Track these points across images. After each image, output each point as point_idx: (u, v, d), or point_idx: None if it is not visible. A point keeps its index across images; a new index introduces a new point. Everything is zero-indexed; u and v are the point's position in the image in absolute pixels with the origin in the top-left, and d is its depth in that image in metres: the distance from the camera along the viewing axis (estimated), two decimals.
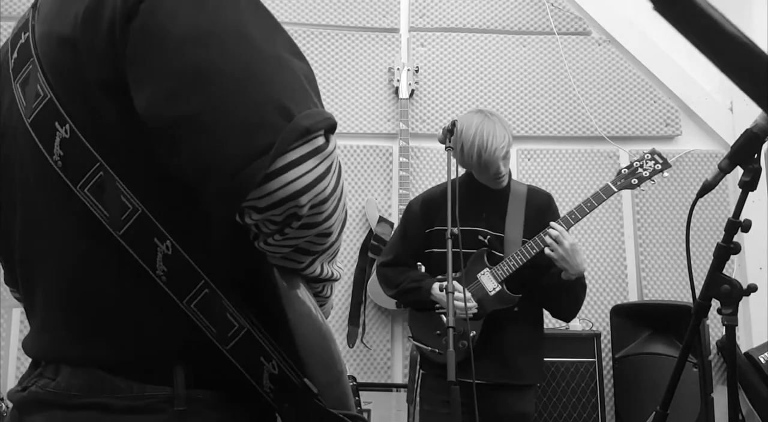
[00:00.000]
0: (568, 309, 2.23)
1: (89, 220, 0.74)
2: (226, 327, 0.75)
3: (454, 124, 2.08)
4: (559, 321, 2.80)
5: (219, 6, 0.71)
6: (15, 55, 0.80)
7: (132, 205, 0.73)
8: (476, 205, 2.22)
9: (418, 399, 2.38)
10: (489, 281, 2.16)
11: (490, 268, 2.17)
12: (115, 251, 0.74)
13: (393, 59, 3.44)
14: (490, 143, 2.05)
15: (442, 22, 3.50)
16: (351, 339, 3.16)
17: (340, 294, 3.24)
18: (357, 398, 0.78)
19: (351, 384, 0.77)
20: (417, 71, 3.38)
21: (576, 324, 3.05)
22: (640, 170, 2.19)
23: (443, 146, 2.06)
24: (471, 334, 2.09)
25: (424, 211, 2.29)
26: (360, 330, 3.17)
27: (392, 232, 2.55)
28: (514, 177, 3.31)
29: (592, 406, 2.81)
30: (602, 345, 2.98)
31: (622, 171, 2.21)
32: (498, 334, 2.15)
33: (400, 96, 3.31)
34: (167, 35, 0.68)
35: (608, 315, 3.11)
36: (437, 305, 2.17)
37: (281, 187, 0.67)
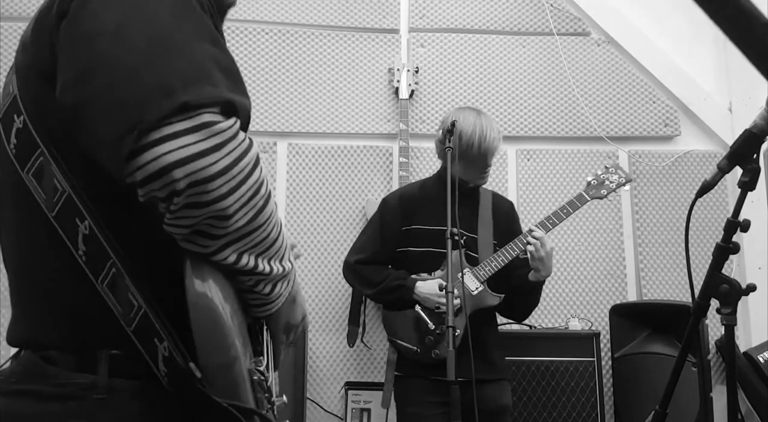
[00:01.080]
0: (526, 309, 2.38)
1: (32, 204, 0.80)
2: (129, 306, 0.78)
3: (453, 124, 2.11)
4: (555, 322, 2.82)
5: (124, 7, 0.76)
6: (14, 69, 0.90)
7: (62, 187, 0.78)
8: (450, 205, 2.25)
9: (396, 401, 2.37)
10: (471, 281, 2.21)
11: (470, 268, 2.21)
12: (50, 233, 0.79)
13: (393, 60, 3.45)
14: (489, 133, 2.20)
15: (442, 23, 3.51)
16: (351, 339, 3.16)
17: (340, 294, 3.24)
18: (267, 394, 0.74)
19: (259, 378, 0.74)
20: (417, 72, 3.39)
21: (575, 324, 3.06)
22: (606, 182, 2.39)
23: (442, 146, 2.08)
24: (456, 333, 2.12)
25: (403, 208, 2.30)
26: (360, 329, 3.17)
27: (364, 228, 2.50)
28: (513, 177, 3.36)
29: (591, 405, 2.82)
30: (601, 345, 2.98)
31: (592, 181, 2.40)
32: (478, 332, 2.18)
33: (400, 96, 3.32)
34: (80, 30, 0.75)
35: (607, 314, 3.12)
36: (425, 305, 2.19)
37: (153, 160, 0.69)
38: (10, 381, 0.82)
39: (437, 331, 2.19)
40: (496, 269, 2.22)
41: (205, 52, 0.76)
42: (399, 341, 2.27)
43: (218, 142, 0.71)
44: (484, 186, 2.41)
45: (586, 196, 2.35)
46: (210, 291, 0.77)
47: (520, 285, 2.27)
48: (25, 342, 0.84)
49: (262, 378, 0.82)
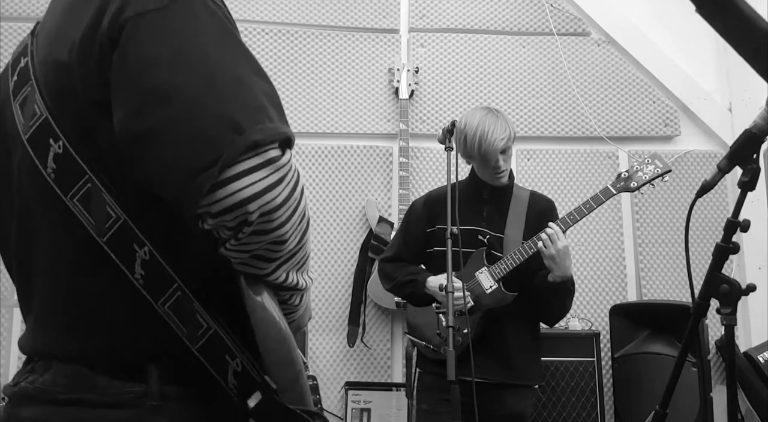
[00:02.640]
0: (551, 312, 2.24)
1: (77, 227, 0.82)
2: (196, 327, 0.82)
3: (453, 124, 2.10)
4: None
5: (187, 33, 0.79)
6: (15, 78, 0.89)
7: (115, 214, 0.80)
8: (478, 204, 2.24)
9: (415, 397, 2.38)
10: (486, 279, 2.18)
11: (488, 267, 2.19)
12: (98, 256, 0.81)
13: (393, 60, 3.45)
14: (491, 134, 2.10)
15: (442, 23, 3.51)
16: (351, 339, 3.16)
17: (341, 294, 3.25)
18: (317, 396, 0.89)
19: (311, 383, 0.87)
20: (417, 72, 3.39)
21: (575, 324, 3.06)
22: (639, 173, 2.21)
23: (443, 146, 2.08)
24: (465, 331, 2.10)
25: (427, 210, 2.31)
26: (360, 329, 3.17)
27: (394, 231, 2.56)
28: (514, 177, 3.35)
29: (592, 405, 2.82)
30: (601, 345, 2.99)
31: (622, 174, 2.23)
32: (498, 333, 2.16)
33: (400, 96, 3.32)
34: (138, 60, 0.77)
35: (607, 314, 3.12)
36: (436, 303, 2.18)
37: (230, 195, 0.74)
38: (56, 391, 0.84)
39: (438, 331, 2.19)
40: (510, 267, 2.15)
41: (258, 86, 0.80)
42: (412, 337, 2.29)
43: (281, 175, 0.77)
44: (522, 185, 2.37)
45: (612, 190, 2.19)
46: (272, 309, 0.84)
47: (539, 287, 2.16)
48: (65, 356, 0.86)
49: (315, 382, 0.91)
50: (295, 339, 1.03)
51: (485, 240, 2.21)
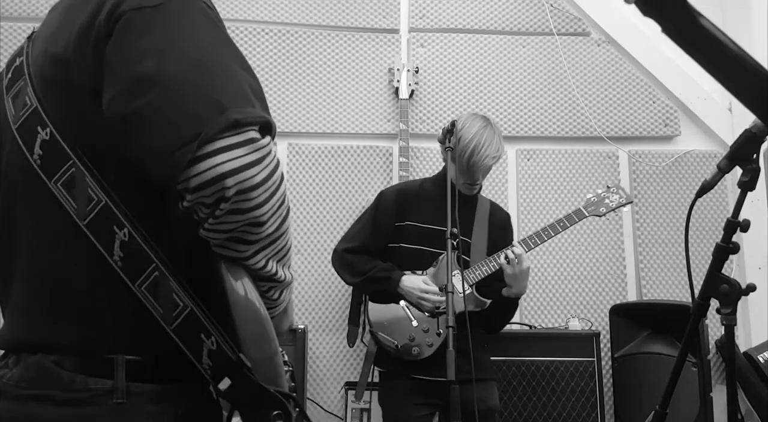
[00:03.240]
0: (497, 322, 2.37)
1: (58, 212, 0.84)
2: (172, 306, 0.83)
3: (453, 124, 2.11)
4: (555, 322, 2.82)
5: (179, 27, 0.84)
6: (9, 76, 0.94)
7: (97, 197, 0.83)
8: (446, 206, 2.24)
9: (377, 399, 2.37)
10: (460, 283, 2.20)
11: (460, 271, 2.21)
12: (77, 241, 0.84)
13: (393, 60, 3.45)
14: (485, 149, 2.13)
15: (442, 23, 3.51)
16: (351, 339, 3.16)
17: (340, 294, 3.24)
18: (293, 383, 0.89)
19: (287, 369, 0.88)
20: (417, 72, 3.39)
21: (575, 324, 3.06)
22: (606, 201, 2.43)
23: (443, 146, 2.08)
24: (437, 333, 2.13)
25: (399, 203, 2.31)
26: (360, 329, 3.16)
27: (358, 218, 2.51)
28: (513, 177, 3.36)
29: (591, 406, 2.82)
30: (601, 345, 2.98)
31: (591, 198, 2.44)
32: (464, 334, 2.17)
33: (400, 96, 3.32)
34: (130, 50, 0.82)
35: (607, 314, 3.12)
36: (415, 300, 2.20)
37: (209, 169, 0.77)
38: (20, 386, 0.84)
39: (422, 329, 2.20)
40: (485, 274, 2.24)
41: (243, 78, 0.86)
42: (380, 333, 2.25)
43: (260, 156, 0.80)
44: (483, 194, 2.42)
45: (585, 212, 2.40)
46: (249, 290, 0.86)
47: (491, 297, 2.27)
48: (32, 345, 0.86)
49: (290, 369, 0.90)
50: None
51: (454, 242, 2.22)
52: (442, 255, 2.23)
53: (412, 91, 3.36)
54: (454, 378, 1.65)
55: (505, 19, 3.53)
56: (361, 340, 3.16)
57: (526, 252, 2.21)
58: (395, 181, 3.31)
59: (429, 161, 3.36)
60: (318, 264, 3.25)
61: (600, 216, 2.42)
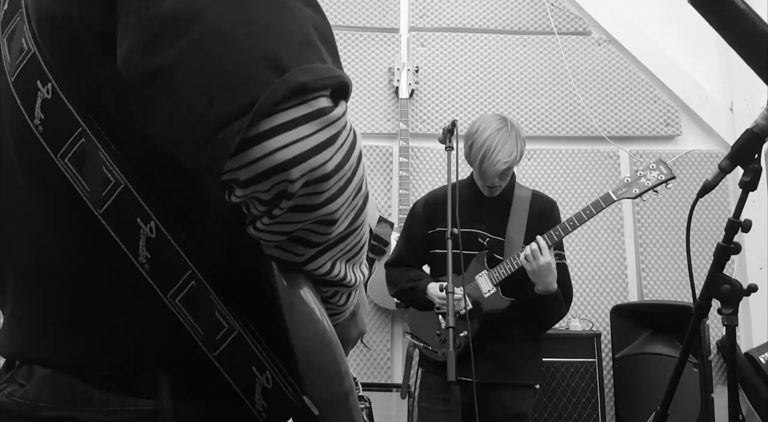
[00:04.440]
0: (538, 320, 2.27)
1: (68, 195, 0.64)
2: (215, 328, 0.64)
3: (454, 124, 2.09)
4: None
5: None
6: (5, 7, 0.71)
7: (114, 178, 0.63)
8: (478, 207, 2.23)
9: (416, 396, 2.40)
10: (485, 283, 2.19)
11: (488, 271, 2.20)
12: (94, 232, 0.64)
13: (393, 59, 3.44)
14: (495, 154, 2.07)
15: (442, 22, 3.50)
16: None
17: None
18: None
19: (363, 406, 0.62)
20: (417, 71, 3.38)
21: (576, 325, 3.05)
22: (642, 179, 2.16)
23: (443, 146, 2.07)
24: (463, 334, 2.10)
25: (427, 212, 2.31)
26: None
27: (395, 231, 2.57)
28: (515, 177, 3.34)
29: (593, 406, 2.81)
30: (602, 345, 2.98)
31: (625, 179, 2.18)
32: (496, 335, 2.16)
33: (400, 96, 3.31)
34: None
35: (608, 315, 3.11)
36: (437, 305, 2.18)
37: (265, 156, 0.55)
38: (39, 405, 0.65)
39: (438, 332, 2.19)
40: (508, 273, 2.16)
41: (306, 16, 0.61)
42: (412, 338, 2.31)
43: (334, 132, 0.58)
44: (520, 180, 2.38)
45: (613, 196, 2.15)
46: (313, 304, 0.65)
47: (527, 295, 2.17)
48: (51, 360, 0.67)
49: (367, 405, 0.72)
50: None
51: (485, 243, 2.21)
52: (474, 257, 2.22)
53: (412, 91, 3.35)
54: (455, 380, 1.65)
55: (505, 18, 3.52)
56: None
57: (550, 246, 2.09)
58: (395, 181, 3.31)
59: (429, 161, 3.36)
60: None
61: (633, 198, 2.15)
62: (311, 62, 0.58)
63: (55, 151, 0.64)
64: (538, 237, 2.11)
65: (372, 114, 3.40)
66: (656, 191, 2.16)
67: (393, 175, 3.33)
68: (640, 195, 2.16)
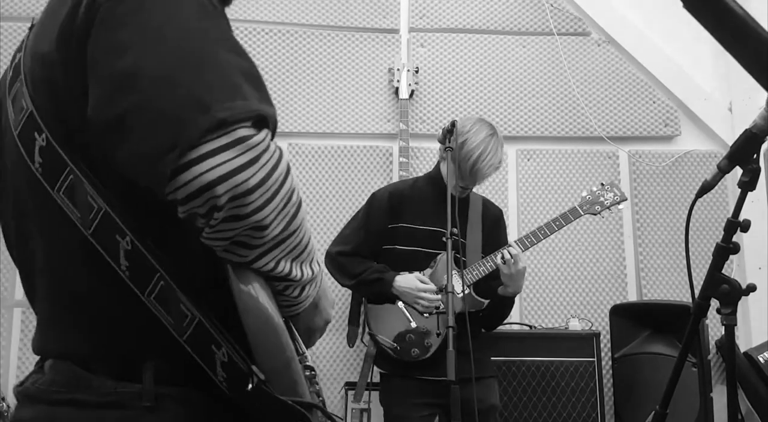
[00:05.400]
0: (494, 320, 2.39)
1: (66, 222, 0.81)
2: (181, 317, 0.79)
3: (453, 124, 2.11)
4: (555, 322, 2.82)
5: (160, 15, 0.76)
6: (10, 74, 0.89)
7: (97, 205, 0.79)
8: (440, 206, 2.24)
9: (378, 400, 2.38)
10: (457, 284, 2.20)
11: (458, 271, 2.21)
12: (87, 250, 0.80)
13: (393, 60, 3.45)
14: (489, 158, 2.17)
15: (442, 23, 3.51)
16: (351, 339, 3.15)
17: (340, 295, 3.24)
18: (318, 387, 0.81)
19: (308, 373, 0.81)
20: (417, 72, 3.38)
21: (575, 324, 3.05)
22: (601, 199, 2.42)
23: (443, 146, 2.08)
24: (437, 333, 2.13)
25: (392, 205, 2.31)
26: (360, 329, 3.16)
27: (350, 220, 2.52)
28: (513, 177, 3.35)
29: (592, 406, 2.81)
30: (601, 345, 2.98)
31: (587, 196, 2.43)
32: (464, 334, 2.18)
33: (400, 96, 3.32)
34: (108, 46, 0.76)
35: (607, 314, 3.11)
36: (407, 301, 2.20)
37: (195, 178, 0.70)
38: (52, 390, 0.83)
39: (421, 330, 2.20)
40: (483, 275, 2.25)
41: (233, 63, 0.77)
42: (378, 336, 2.26)
43: (254, 155, 0.73)
44: (475, 190, 2.42)
45: (580, 211, 2.40)
46: (258, 295, 0.80)
47: (488, 295, 2.29)
48: (62, 354, 0.86)
49: (312, 372, 0.88)
50: (307, 341, 0.99)
51: (462, 241, 2.24)
52: (440, 256, 2.23)
53: (412, 91, 3.36)
54: (455, 378, 1.65)
55: (505, 19, 3.53)
56: (361, 340, 3.16)
57: (522, 251, 2.22)
58: (395, 181, 3.31)
59: (429, 161, 3.36)
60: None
61: (595, 214, 2.42)
62: (232, 101, 0.73)
63: (52, 187, 0.81)
64: (513, 243, 2.20)
65: (372, 114, 3.41)
66: (610, 210, 2.44)
67: (393, 175, 3.34)
68: (600, 212, 2.42)
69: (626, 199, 2.48)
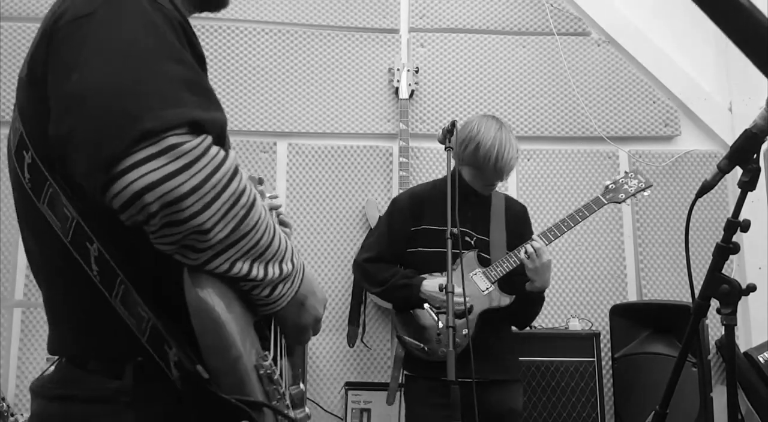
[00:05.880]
0: (524, 317, 2.34)
1: (51, 231, 0.87)
2: (141, 318, 0.84)
3: (453, 124, 2.10)
4: (555, 322, 2.82)
5: (104, 34, 0.80)
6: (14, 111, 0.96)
7: (71, 215, 0.84)
8: (462, 207, 2.23)
9: (403, 401, 2.37)
10: (482, 281, 2.20)
11: (482, 269, 2.21)
12: (68, 256, 0.86)
13: (393, 60, 3.45)
14: (508, 151, 2.17)
15: (442, 23, 3.51)
16: (351, 339, 3.16)
17: (340, 294, 3.24)
18: (274, 386, 0.80)
19: (265, 372, 0.81)
20: (417, 72, 3.39)
21: (575, 324, 3.06)
22: (625, 186, 2.37)
23: (443, 146, 2.08)
24: (464, 332, 2.11)
25: (413, 208, 2.30)
26: (360, 330, 3.17)
27: (374, 227, 2.53)
28: (513, 177, 3.36)
29: (592, 406, 2.82)
30: (601, 345, 2.98)
31: (609, 186, 2.37)
32: (489, 333, 2.17)
33: (400, 96, 3.32)
34: (57, 67, 0.81)
35: (607, 314, 3.12)
36: (433, 304, 2.18)
37: (124, 188, 0.73)
38: (49, 387, 0.92)
39: (438, 331, 2.19)
40: (507, 270, 2.21)
41: (170, 73, 0.79)
42: (407, 338, 2.25)
43: (186, 162, 0.74)
44: (514, 186, 2.42)
45: (603, 200, 2.33)
46: (208, 296, 0.81)
47: (516, 291, 2.25)
48: (61, 353, 0.94)
49: (269, 371, 0.87)
50: (298, 338, 1.00)
51: (472, 242, 2.23)
52: (465, 256, 2.23)
53: (412, 91, 3.36)
54: (455, 379, 1.65)
55: (505, 19, 3.53)
56: (361, 340, 3.16)
57: (547, 245, 2.19)
58: (395, 181, 3.32)
59: (429, 161, 3.36)
60: (318, 264, 3.25)
61: (619, 202, 2.35)
62: (164, 110, 0.75)
63: (38, 199, 0.87)
64: (536, 237, 2.17)
65: (372, 114, 3.41)
66: (636, 197, 2.38)
67: (393, 175, 3.34)
68: (625, 200, 2.36)
69: (651, 185, 2.41)
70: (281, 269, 0.88)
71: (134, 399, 0.86)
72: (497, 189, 2.36)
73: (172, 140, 0.74)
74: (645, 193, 2.38)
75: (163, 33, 0.83)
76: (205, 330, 0.80)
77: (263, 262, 0.85)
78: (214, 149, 0.78)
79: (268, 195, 1.81)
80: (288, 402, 0.94)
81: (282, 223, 1.82)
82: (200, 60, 0.90)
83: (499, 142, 2.15)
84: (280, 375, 0.95)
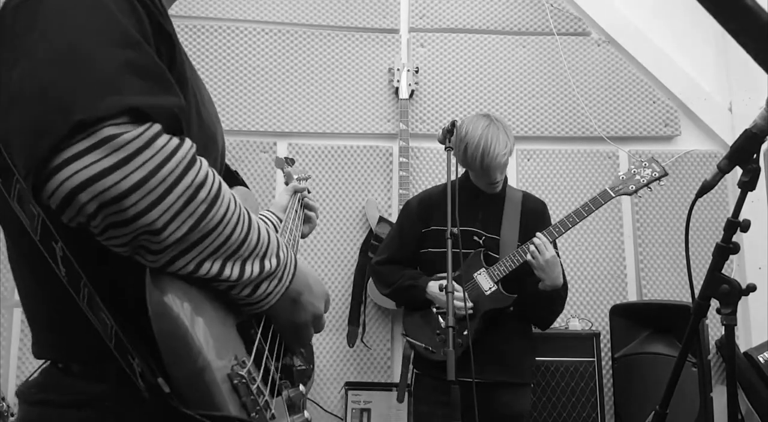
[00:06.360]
0: (541, 317, 2.29)
1: (23, 229, 0.78)
2: (105, 324, 0.75)
3: (453, 124, 2.10)
4: (555, 322, 2.81)
5: (45, 18, 0.73)
6: None
7: (36, 211, 0.74)
8: (472, 206, 2.24)
9: (411, 399, 2.39)
10: (485, 281, 2.19)
11: (486, 268, 2.20)
12: (40, 256, 0.77)
13: (393, 60, 3.45)
14: (494, 148, 2.10)
15: (442, 23, 3.51)
16: (351, 339, 3.16)
17: (340, 294, 3.24)
18: (252, 396, 0.73)
19: (240, 381, 0.72)
20: (417, 72, 3.39)
21: (575, 324, 3.06)
22: (637, 177, 2.22)
23: (443, 146, 2.08)
24: (465, 333, 2.10)
25: (422, 210, 2.31)
26: (360, 330, 3.17)
27: (388, 231, 2.55)
28: (513, 177, 3.35)
29: (592, 406, 2.82)
30: (601, 345, 2.98)
31: (621, 176, 2.24)
32: (496, 334, 2.16)
33: (400, 96, 3.32)
34: (2, 63, 0.74)
35: (607, 314, 3.11)
36: (437, 305, 2.18)
37: (58, 187, 0.66)
38: (31, 391, 0.87)
39: (438, 331, 2.19)
40: (508, 270, 2.17)
41: (112, 58, 0.71)
42: (411, 339, 2.26)
43: (125, 155, 0.67)
44: (514, 186, 2.39)
45: (611, 193, 2.19)
46: (171, 300, 0.73)
47: (530, 291, 2.20)
48: (44, 356, 0.89)
49: (245, 380, 0.78)
50: (296, 337, 0.95)
51: (481, 241, 2.22)
52: (470, 256, 2.22)
53: (412, 91, 3.36)
54: (455, 379, 1.65)
55: (505, 19, 3.53)
56: (361, 340, 3.16)
57: (551, 241, 2.14)
58: (395, 181, 3.32)
59: (429, 161, 3.36)
60: (318, 264, 3.25)
61: (630, 194, 2.21)
62: (100, 98, 0.67)
63: (9, 196, 0.77)
64: (539, 234, 2.14)
65: (372, 114, 3.41)
66: (650, 188, 2.22)
67: (393, 175, 3.34)
68: (636, 191, 2.20)
69: (667, 174, 2.23)
70: (262, 266, 0.81)
71: (116, 402, 0.80)
72: (515, 186, 2.33)
73: (108, 131, 0.66)
74: (660, 183, 2.21)
75: (113, 16, 0.75)
76: (167, 339, 0.73)
77: (238, 260, 0.78)
78: (163, 139, 0.70)
79: (295, 177, 1.76)
80: (273, 411, 0.85)
81: (307, 207, 1.77)
82: (167, 39, 0.83)
83: (484, 141, 2.11)
84: (272, 378, 0.88)
